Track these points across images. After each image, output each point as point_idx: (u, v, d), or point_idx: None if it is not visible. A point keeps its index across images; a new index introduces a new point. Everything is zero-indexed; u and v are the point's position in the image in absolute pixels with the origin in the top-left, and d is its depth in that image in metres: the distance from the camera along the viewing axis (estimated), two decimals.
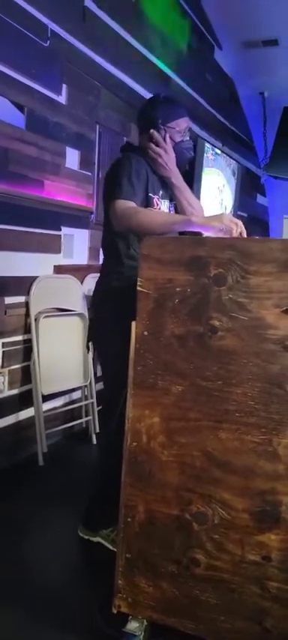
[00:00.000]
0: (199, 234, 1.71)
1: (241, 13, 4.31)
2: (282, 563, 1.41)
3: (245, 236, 1.75)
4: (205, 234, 1.72)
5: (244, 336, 1.36)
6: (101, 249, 2.10)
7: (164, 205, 2.03)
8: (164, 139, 1.99)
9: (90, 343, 2.20)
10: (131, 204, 1.80)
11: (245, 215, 5.82)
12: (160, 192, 2.01)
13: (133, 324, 1.45)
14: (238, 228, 1.71)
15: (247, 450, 1.39)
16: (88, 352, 2.25)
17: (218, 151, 4.77)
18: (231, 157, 5.06)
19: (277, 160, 5.09)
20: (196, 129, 4.40)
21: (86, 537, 2.13)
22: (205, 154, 4.47)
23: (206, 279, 1.37)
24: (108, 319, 1.96)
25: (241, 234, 1.72)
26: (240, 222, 1.73)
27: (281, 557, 1.41)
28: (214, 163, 4.68)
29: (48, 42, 2.82)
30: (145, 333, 1.44)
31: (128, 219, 1.78)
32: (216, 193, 4.84)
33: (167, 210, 2.05)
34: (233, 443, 1.40)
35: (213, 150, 4.64)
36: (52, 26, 2.84)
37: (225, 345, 1.37)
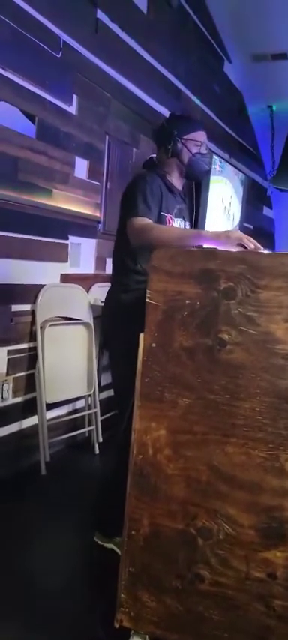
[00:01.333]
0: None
1: (250, 27, 4.33)
2: (287, 581, 1.39)
3: (261, 249, 1.76)
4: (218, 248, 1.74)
5: (253, 350, 1.35)
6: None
7: (177, 223, 2.08)
8: (181, 151, 2.04)
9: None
10: (147, 220, 1.87)
11: (251, 227, 5.82)
12: (175, 210, 2.07)
13: (141, 335, 1.45)
14: (251, 244, 1.72)
15: (254, 465, 1.38)
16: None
17: (226, 163, 4.80)
18: (238, 169, 5.08)
19: (284, 173, 5.10)
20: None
21: (100, 543, 2.14)
22: (212, 166, 4.48)
23: (216, 292, 1.36)
24: (115, 330, 2.02)
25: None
26: (252, 240, 1.75)
27: (287, 575, 1.39)
28: (222, 172, 4.70)
29: (60, 53, 2.84)
30: (153, 345, 1.44)
31: (143, 234, 1.84)
32: (224, 203, 4.86)
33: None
34: (240, 458, 1.39)
35: (221, 162, 4.66)
36: (65, 37, 2.86)
37: (234, 358, 1.37)
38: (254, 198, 5.97)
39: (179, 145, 2.04)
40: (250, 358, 1.35)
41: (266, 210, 6.67)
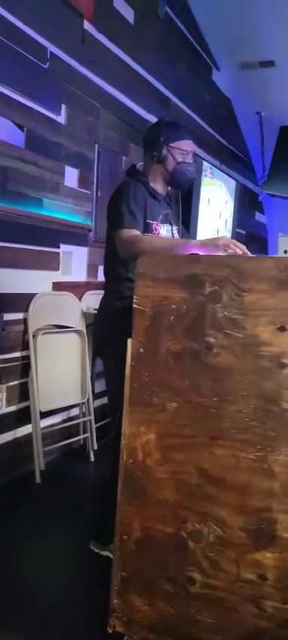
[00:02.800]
0: None
1: (238, 35, 4.38)
2: (278, 582, 1.40)
3: (248, 254, 1.77)
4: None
5: (239, 353, 1.36)
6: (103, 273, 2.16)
7: (164, 230, 2.08)
8: (166, 159, 2.04)
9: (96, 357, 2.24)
10: (134, 232, 1.88)
11: (243, 232, 5.86)
12: (160, 216, 2.06)
13: (129, 341, 1.46)
14: (237, 249, 1.74)
15: (243, 467, 1.39)
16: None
17: (217, 169, 4.83)
18: (229, 176, 5.12)
19: (274, 178, 5.14)
20: (194, 148, 4.44)
21: (96, 551, 2.14)
22: (203, 172, 4.52)
23: (201, 297, 1.38)
24: (110, 337, 2.02)
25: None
26: (239, 244, 1.76)
27: (277, 576, 1.40)
28: (214, 176, 4.72)
29: (47, 63, 2.86)
30: (141, 350, 1.45)
31: (132, 246, 1.85)
32: (218, 207, 4.88)
33: (167, 234, 2.10)
34: (229, 460, 1.40)
35: (211, 168, 4.69)
36: (52, 48, 2.89)
37: (220, 362, 1.38)
38: (246, 204, 6.01)
39: (165, 152, 2.03)
40: (237, 361, 1.37)
41: (258, 216, 6.71)
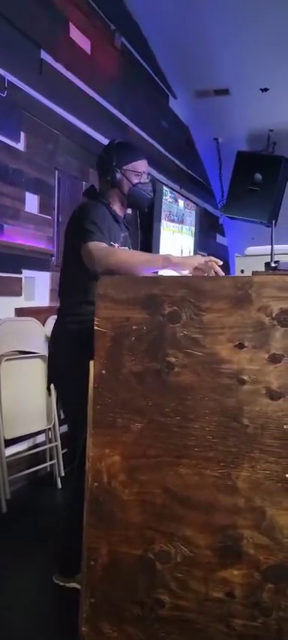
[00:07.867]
0: None
1: (193, 64, 4.52)
2: (245, 599, 1.40)
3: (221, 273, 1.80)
4: (183, 273, 1.78)
5: (199, 371, 1.38)
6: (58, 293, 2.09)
7: None
8: (121, 182, 2.01)
9: (51, 385, 2.18)
10: (104, 244, 1.82)
11: (205, 254, 5.96)
12: (121, 239, 2.04)
13: (91, 363, 1.46)
14: (217, 267, 1.76)
15: (207, 485, 1.40)
16: (49, 394, 2.24)
17: (179, 201, 4.93)
18: (189, 200, 5.24)
19: (233, 202, 5.25)
20: (154, 173, 4.53)
21: (61, 584, 2.05)
22: (163, 197, 4.60)
23: (161, 317, 1.40)
24: (65, 360, 1.97)
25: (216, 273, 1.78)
26: (213, 259, 1.79)
27: (244, 593, 1.40)
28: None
29: (5, 92, 2.88)
30: (103, 371, 1.45)
31: (106, 258, 1.77)
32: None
33: None
34: (193, 478, 1.41)
35: (171, 193, 4.79)
36: (9, 77, 2.91)
37: (182, 380, 1.40)
38: (207, 227, 6.15)
39: (119, 176, 2.00)
40: (198, 379, 1.38)
41: (219, 238, 6.87)
